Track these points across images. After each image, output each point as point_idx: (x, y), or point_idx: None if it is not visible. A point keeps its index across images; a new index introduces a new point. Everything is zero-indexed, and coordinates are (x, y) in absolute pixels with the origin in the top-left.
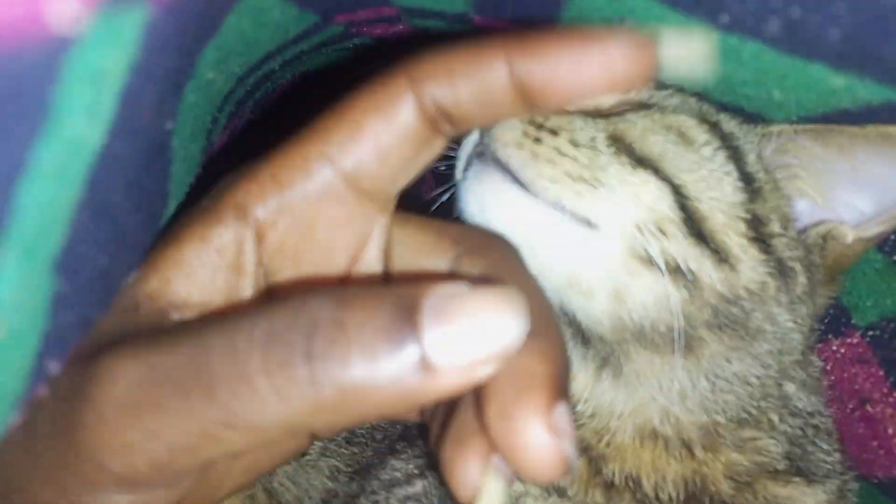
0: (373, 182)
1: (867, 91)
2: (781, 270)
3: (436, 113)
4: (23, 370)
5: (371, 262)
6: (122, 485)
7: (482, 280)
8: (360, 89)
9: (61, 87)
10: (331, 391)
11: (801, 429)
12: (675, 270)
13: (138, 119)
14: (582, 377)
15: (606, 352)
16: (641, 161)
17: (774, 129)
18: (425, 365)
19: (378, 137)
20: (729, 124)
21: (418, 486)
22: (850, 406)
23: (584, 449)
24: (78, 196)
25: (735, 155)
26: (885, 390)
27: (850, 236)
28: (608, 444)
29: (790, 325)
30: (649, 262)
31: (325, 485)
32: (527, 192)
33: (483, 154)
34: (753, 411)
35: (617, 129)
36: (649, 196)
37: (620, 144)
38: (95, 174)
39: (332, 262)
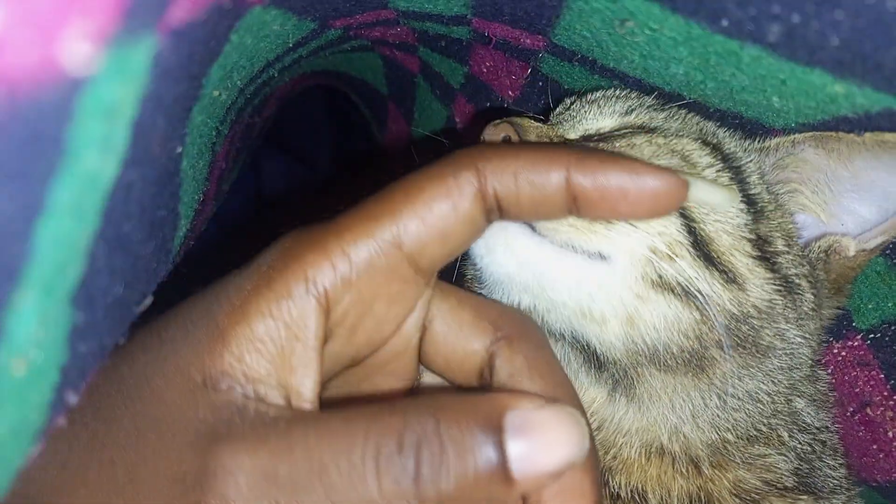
0: (431, 262)
1: (866, 99)
2: (788, 287)
3: (493, 203)
4: (43, 403)
5: (410, 332)
6: None
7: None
8: (428, 172)
9: (75, 125)
10: (430, 501)
11: (810, 444)
12: (687, 293)
13: (150, 148)
14: (592, 395)
15: (620, 374)
16: None
17: (772, 143)
18: (507, 476)
19: (444, 222)
20: (730, 144)
21: None
22: (851, 409)
23: None
24: (93, 229)
25: (738, 176)
26: (886, 393)
27: (852, 249)
28: (614, 458)
29: (799, 340)
30: (660, 286)
31: None
32: (535, 233)
33: None
34: (763, 428)
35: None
36: (658, 222)
37: None
38: (110, 206)
39: (382, 332)
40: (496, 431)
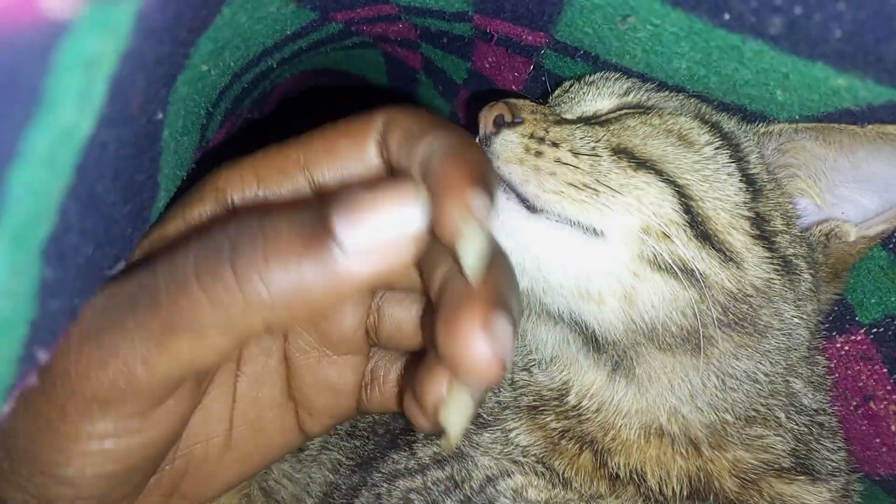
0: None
1: (869, 92)
2: (786, 267)
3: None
4: (11, 358)
5: None
6: (96, 407)
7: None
8: (345, 119)
9: (54, 75)
10: (257, 293)
11: (807, 426)
12: (683, 271)
13: (128, 108)
14: (592, 378)
15: (619, 355)
16: (643, 164)
17: (774, 128)
18: (343, 256)
19: (347, 163)
20: (729, 124)
21: (418, 480)
22: (854, 403)
23: (590, 442)
24: (66, 184)
25: (736, 155)
26: (889, 387)
27: (852, 234)
28: (613, 439)
29: (797, 321)
30: (657, 264)
31: (327, 478)
32: (530, 208)
33: None
34: (761, 409)
35: (618, 135)
36: (653, 198)
37: (622, 150)
38: (84, 162)
39: None
40: (325, 216)
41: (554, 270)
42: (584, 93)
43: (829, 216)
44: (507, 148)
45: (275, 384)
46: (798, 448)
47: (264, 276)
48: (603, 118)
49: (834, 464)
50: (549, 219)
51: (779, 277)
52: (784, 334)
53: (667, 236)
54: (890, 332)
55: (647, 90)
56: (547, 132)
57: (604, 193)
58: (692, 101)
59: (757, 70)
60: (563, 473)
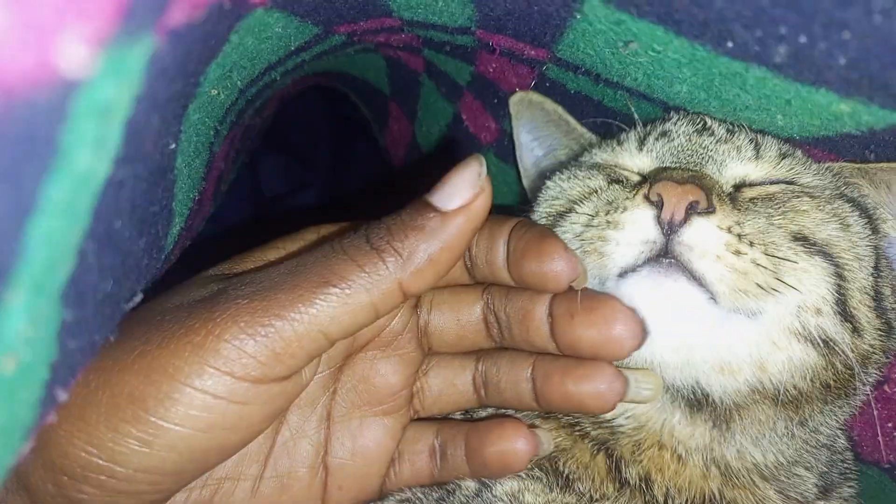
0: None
1: (872, 116)
2: (888, 331)
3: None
4: (33, 401)
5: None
6: (221, 362)
7: None
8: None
9: (69, 126)
10: (392, 259)
11: (830, 462)
12: (821, 342)
13: (143, 145)
14: (664, 417)
15: (722, 412)
16: (817, 250)
17: (836, 167)
18: (443, 216)
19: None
20: (865, 199)
21: (408, 492)
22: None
23: (608, 447)
24: (84, 227)
25: (872, 225)
26: None
27: None
28: (642, 454)
29: (871, 379)
30: (801, 336)
31: None
32: (709, 301)
33: (663, 256)
34: (807, 456)
35: (794, 221)
36: (818, 280)
37: (799, 237)
38: (101, 203)
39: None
40: (426, 202)
41: (705, 349)
42: (731, 150)
43: None
44: (706, 243)
45: (312, 441)
46: (818, 482)
47: (391, 242)
48: (760, 189)
49: (845, 465)
50: (724, 310)
51: (881, 343)
52: (862, 393)
53: (819, 312)
54: None
55: (794, 158)
56: (742, 227)
57: (781, 288)
58: (828, 172)
59: (759, 96)
60: (570, 474)
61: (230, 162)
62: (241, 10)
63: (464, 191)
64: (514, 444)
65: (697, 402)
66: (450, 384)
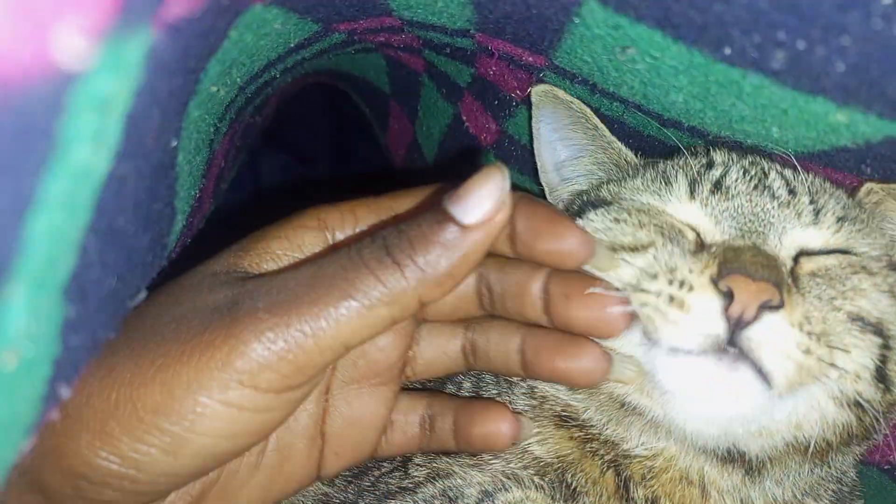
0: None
1: (869, 127)
2: None
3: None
4: (35, 397)
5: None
6: (246, 377)
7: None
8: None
9: (67, 119)
10: (410, 270)
11: (839, 491)
12: (856, 403)
13: (144, 141)
14: (693, 460)
15: (756, 464)
16: (872, 330)
17: (861, 190)
18: (463, 229)
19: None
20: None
21: (409, 501)
22: None
23: (618, 467)
24: (86, 222)
25: None
26: None
27: None
28: (654, 480)
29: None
30: (837, 401)
31: (319, 488)
32: (764, 387)
33: (729, 349)
34: (821, 490)
35: (853, 300)
36: (865, 356)
37: (857, 318)
38: (102, 199)
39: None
40: (443, 209)
41: (748, 423)
42: (788, 218)
43: None
44: (777, 343)
45: (311, 414)
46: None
47: (412, 256)
48: (818, 261)
49: (853, 480)
50: (774, 393)
51: None
52: (881, 434)
53: (858, 379)
54: None
55: (850, 223)
56: (811, 324)
57: (833, 371)
58: (878, 240)
59: (755, 105)
60: (577, 487)
61: (230, 159)
62: (240, 6)
63: (486, 204)
64: (498, 427)
65: (731, 457)
66: (441, 352)
